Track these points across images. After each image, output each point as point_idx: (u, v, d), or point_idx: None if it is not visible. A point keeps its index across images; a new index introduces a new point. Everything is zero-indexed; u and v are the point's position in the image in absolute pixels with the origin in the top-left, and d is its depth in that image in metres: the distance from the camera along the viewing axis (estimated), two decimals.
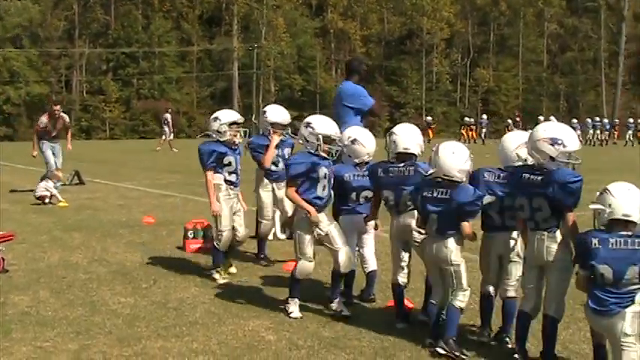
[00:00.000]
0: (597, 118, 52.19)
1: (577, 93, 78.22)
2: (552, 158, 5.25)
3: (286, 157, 8.57)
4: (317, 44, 72.37)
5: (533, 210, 5.38)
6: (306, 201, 6.66)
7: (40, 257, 9.43)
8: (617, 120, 57.90)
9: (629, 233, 4.78)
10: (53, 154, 16.61)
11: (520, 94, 76.61)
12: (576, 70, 77.83)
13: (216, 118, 8.25)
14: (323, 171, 6.70)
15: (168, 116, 38.68)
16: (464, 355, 5.63)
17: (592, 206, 4.93)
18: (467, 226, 5.78)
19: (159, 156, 32.83)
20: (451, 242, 5.80)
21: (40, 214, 13.36)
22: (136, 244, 10.38)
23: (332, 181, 6.84)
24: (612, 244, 4.79)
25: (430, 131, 46.62)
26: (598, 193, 4.94)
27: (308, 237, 6.72)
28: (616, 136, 51.52)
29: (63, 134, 17.16)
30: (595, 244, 4.83)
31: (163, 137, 38.38)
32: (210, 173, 8.11)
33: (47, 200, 14.65)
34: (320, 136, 6.70)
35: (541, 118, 53.70)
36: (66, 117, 17.32)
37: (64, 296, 7.49)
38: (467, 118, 54.47)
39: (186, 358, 5.65)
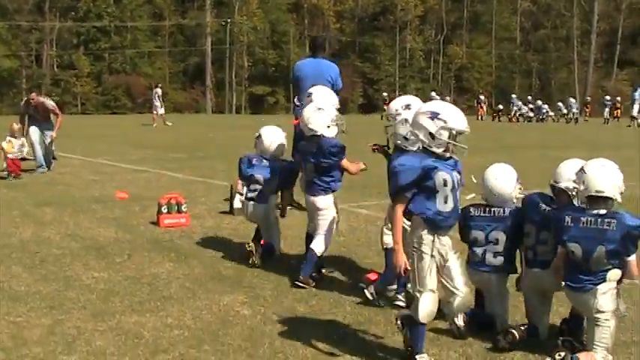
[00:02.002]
0: (572, 100, 52.23)
1: (549, 70, 78.74)
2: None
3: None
4: (290, 19, 72.17)
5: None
6: (424, 219, 4.81)
7: (12, 232, 9.35)
8: (588, 98, 58.20)
9: (601, 212, 4.79)
10: (43, 133, 15.73)
11: (493, 71, 76.95)
12: (549, 48, 78.26)
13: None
14: (442, 176, 4.80)
15: (159, 90, 38.01)
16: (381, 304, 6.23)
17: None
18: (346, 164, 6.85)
19: (132, 131, 32.54)
20: None
21: (11, 189, 13.23)
22: (109, 220, 10.32)
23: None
24: (583, 222, 4.83)
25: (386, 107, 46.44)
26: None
27: (429, 261, 4.85)
28: (588, 114, 51.72)
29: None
30: (567, 222, 4.89)
31: (155, 112, 37.33)
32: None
33: (13, 175, 14.47)
34: (454, 132, 4.81)
35: (514, 95, 53.85)
36: (48, 102, 16.17)
37: (36, 271, 7.44)
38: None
39: (161, 333, 5.64)
